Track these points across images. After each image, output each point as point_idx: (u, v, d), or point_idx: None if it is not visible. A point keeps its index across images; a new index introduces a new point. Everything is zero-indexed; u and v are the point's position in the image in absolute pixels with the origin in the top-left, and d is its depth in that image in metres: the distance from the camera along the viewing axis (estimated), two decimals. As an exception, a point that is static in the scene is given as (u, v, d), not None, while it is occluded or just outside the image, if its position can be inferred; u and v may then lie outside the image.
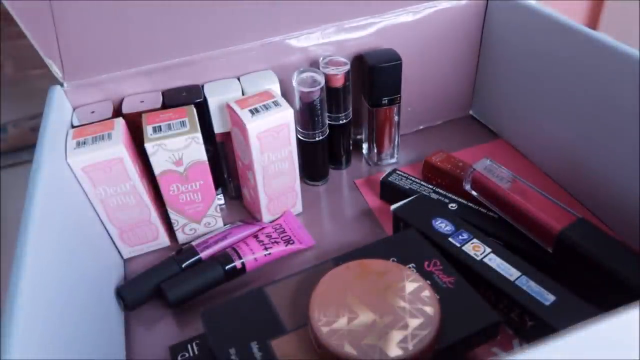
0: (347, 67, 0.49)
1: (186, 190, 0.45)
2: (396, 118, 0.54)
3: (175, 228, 0.47)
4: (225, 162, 0.51)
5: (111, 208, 0.43)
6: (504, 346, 0.37)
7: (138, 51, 0.45)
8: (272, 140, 0.44)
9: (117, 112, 0.45)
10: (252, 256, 0.44)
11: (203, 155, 0.43)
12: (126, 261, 0.47)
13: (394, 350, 0.28)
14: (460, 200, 0.46)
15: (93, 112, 0.45)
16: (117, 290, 0.42)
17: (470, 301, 0.33)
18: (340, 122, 0.52)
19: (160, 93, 0.47)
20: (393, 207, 0.44)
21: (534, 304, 0.34)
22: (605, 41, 0.42)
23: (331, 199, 0.53)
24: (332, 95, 0.50)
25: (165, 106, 0.46)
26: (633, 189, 0.42)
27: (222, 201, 0.52)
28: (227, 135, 0.48)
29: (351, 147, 0.56)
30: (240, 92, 0.47)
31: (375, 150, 0.56)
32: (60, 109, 0.43)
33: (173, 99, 0.46)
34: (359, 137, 0.58)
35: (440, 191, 0.48)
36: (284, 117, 0.43)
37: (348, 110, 0.52)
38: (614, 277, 0.36)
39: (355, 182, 0.55)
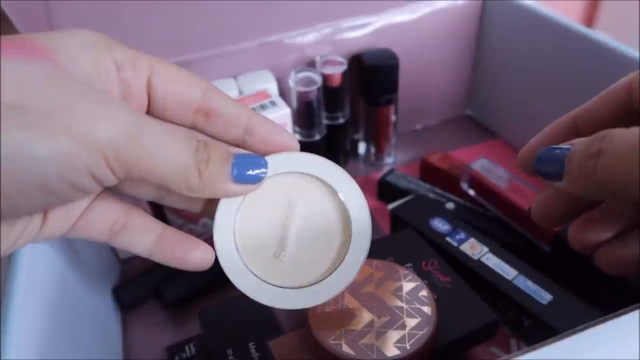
0: (345, 66, 0.49)
1: (183, 191, 0.45)
2: (393, 118, 0.54)
3: (172, 228, 0.47)
4: (222, 162, 0.51)
5: (108, 208, 0.43)
6: (502, 345, 0.37)
7: (135, 51, 0.45)
8: (269, 140, 0.44)
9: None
10: (249, 256, 0.44)
11: (200, 156, 0.43)
12: (123, 262, 0.47)
13: (392, 350, 0.28)
14: (457, 199, 0.47)
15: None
16: (115, 290, 0.42)
17: (468, 300, 0.33)
18: (338, 121, 0.52)
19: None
20: (390, 206, 0.44)
21: (531, 303, 0.34)
22: (602, 41, 0.42)
23: (329, 198, 0.53)
24: (330, 94, 0.50)
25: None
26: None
27: (220, 201, 0.52)
28: (224, 135, 0.48)
29: (348, 147, 0.56)
30: (237, 92, 0.46)
31: (373, 150, 0.56)
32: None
33: (170, 99, 0.46)
34: (356, 136, 0.58)
35: (438, 190, 0.48)
36: (281, 117, 0.43)
37: (345, 110, 0.52)
38: (612, 276, 0.36)
39: (352, 181, 0.55)
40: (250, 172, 0.22)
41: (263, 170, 0.23)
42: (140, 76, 0.22)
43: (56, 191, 0.19)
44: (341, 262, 0.25)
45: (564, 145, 0.22)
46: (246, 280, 0.24)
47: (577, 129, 0.25)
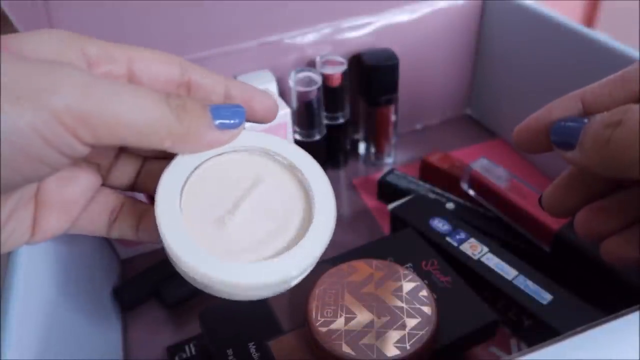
0: (345, 66, 0.49)
1: (183, 191, 0.45)
2: (394, 117, 0.54)
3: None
4: (222, 162, 0.51)
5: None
6: (502, 345, 0.37)
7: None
8: (269, 140, 0.44)
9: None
10: (249, 256, 0.44)
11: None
12: (124, 262, 0.47)
13: (392, 350, 0.28)
14: (457, 199, 0.47)
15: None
16: (115, 290, 0.42)
17: (468, 300, 0.33)
18: (338, 121, 0.52)
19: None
20: (390, 206, 0.44)
21: (531, 303, 0.34)
22: (602, 41, 0.42)
23: (329, 198, 0.53)
24: (330, 94, 0.50)
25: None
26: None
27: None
28: (224, 135, 0.48)
29: (348, 147, 0.56)
30: (238, 92, 0.46)
31: (373, 150, 0.56)
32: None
33: (170, 99, 0.46)
34: (356, 136, 0.58)
35: (438, 190, 0.48)
36: (281, 117, 0.43)
37: (345, 110, 0.52)
38: (612, 276, 0.36)
39: (353, 181, 0.55)
40: (229, 120, 0.22)
41: (241, 118, 0.22)
42: (121, 67, 0.22)
43: (10, 162, 0.17)
44: (289, 250, 0.22)
45: (584, 118, 0.21)
46: (180, 241, 0.21)
47: (584, 107, 0.25)
